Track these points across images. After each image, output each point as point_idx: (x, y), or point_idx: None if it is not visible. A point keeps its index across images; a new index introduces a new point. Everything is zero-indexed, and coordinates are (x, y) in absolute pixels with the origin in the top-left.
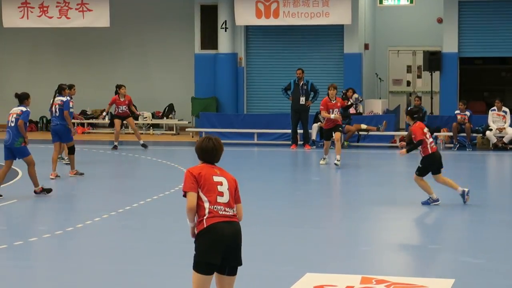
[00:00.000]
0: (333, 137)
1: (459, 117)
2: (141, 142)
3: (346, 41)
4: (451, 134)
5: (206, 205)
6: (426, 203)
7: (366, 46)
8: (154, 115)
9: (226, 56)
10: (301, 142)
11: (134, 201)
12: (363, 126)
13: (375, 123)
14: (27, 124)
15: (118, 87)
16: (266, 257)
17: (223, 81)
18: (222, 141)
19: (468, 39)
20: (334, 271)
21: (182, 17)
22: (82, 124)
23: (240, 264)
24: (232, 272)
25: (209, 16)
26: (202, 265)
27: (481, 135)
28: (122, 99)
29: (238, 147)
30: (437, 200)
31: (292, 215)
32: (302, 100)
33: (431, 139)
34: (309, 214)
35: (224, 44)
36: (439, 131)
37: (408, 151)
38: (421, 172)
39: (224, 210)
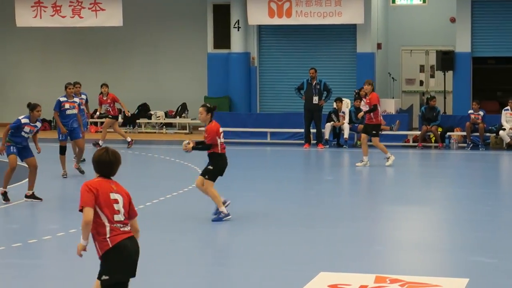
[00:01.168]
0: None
1: (472, 116)
2: (100, 142)
3: (359, 41)
4: (464, 133)
5: (107, 223)
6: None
7: (379, 46)
8: (167, 114)
9: (238, 55)
10: (314, 142)
11: (147, 199)
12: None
13: (388, 122)
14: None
15: (101, 86)
16: (279, 256)
17: (236, 80)
18: (235, 140)
19: (481, 39)
20: (347, 270)
21: (195, 17)
22: (95, 123)
23: (134, 276)
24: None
25: (221, 16)
26: (113, 285)
27: (494, 134)
28: (105, 98)
29: (251, 146)
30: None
31: (305, 214)
32: (315, 99)
33: None
34: (322, 213)
35: (237, 43)
36: (452, 131)
37: None
38: None
39: (123, 227)
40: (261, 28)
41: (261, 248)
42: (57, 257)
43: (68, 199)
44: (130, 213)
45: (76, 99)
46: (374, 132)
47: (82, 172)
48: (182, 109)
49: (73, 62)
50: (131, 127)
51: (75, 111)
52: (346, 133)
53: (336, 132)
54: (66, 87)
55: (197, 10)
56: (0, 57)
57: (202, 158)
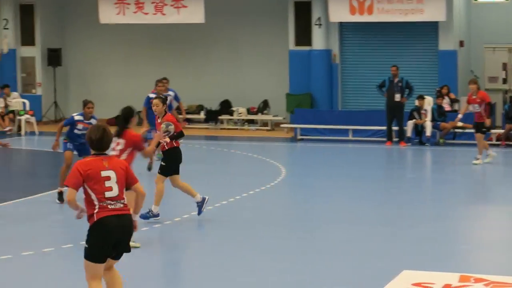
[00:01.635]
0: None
1: None
2: None
3: (441, 38)
4: None
5: (95, 201)
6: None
7: (461, 43)
8: (249, 111)
9: (320, 52)
10: (396, 139)
11: (229, 196)
12: (459, 123)
13: (471, 120)
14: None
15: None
16: (362, 253)
17: (318, 77)
18: (317, 137)
19: None
20: (431, 269)
21: (276, 14)
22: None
23: (128, 251)
24: (118, 258)
25: (303, 12)
26: (94, 256)
27: None
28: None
29: (333, 144)
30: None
31: (388, 212)
32: (397, 97)
33: None
34: (405, 211)
35: (318, 40)
36: None
37: None
38: None
39: (114, 204)
40: (342, 25)
41: (344, 245)
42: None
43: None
44: (129, 182)
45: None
46: (483, 129)
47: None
48: (264, 106)
49: (155, 58)
50: (213, 123)
51: None
52: (428, 131)
53: (418, 130)
54: (156, 84)
55: (278, 7)
56: (85, 54)
57: (286, 155)
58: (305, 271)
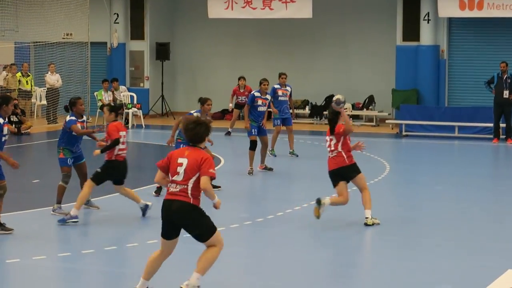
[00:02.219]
0: None
1: None
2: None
3: None
4: None
5: (170, 182)
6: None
7: None
8: (354, 106)
9: (427, 48)
10: (504, 136)
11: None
12: None
13: None
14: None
15: (239, 78)
16: (468, 252)
17: (425, 73)
18: (422, 133)
19: None
20: None
21: (384, 9)
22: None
23: (197, 237)
24: (199, 239)
25: (411, 8)
26: (162, 232)
27: None
28: (241, 90)
29: (439, 140)
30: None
31: (495, 210)
32: (506, 93)
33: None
34: (510, 210)
35: (426, 36)
36: None
37: None
38: None
39: (175, 188)
40: (451, 21)
41: (449, 243)
42: (241, 244)
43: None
44: (202, 171)
45: (268, 96)
46: None
47: (270, 169)
48: (369, 102)
49: (262, 53)
50: (318, 119)
51: (264, 108)
52: None
53: None
54: (260, 83)
55: (386, 2)
56: (193, 48)
57: (390, 151)
58: (411, 268)
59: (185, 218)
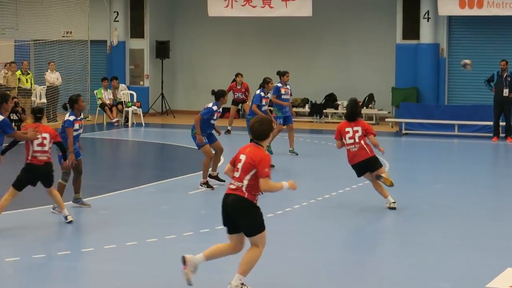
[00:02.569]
0: None
1: None
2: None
3: None
4: None
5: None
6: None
7: None
8: None
9: (427, 46)
10: (503, 135)
11: (334, 189)
12: None
13: None
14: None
15: (236, 75)
16: (468, 249)
17: (424, 71)
18: (422, 132)
19: None
20: None
21: (384, 7)
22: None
23: (245, 231)
24: (245, 234)
25: (411, 6)
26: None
27: None
28: (238, 87)
29: (438, 138)
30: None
31: (494, 208)
32: (506, 92)
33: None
34: (510, 208)
35: (426, 34)
36: None
37: None
38: None
39: (232, 184)
40: (451, 19)
41: (448, 240)
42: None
43: None
44: (258, 173)
45: (269, 95)
46: None
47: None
48: (369, 100)
49: (262, 51)
50: (318, 117)
51: (266, 107)
52: None
53: None
54: (268, 82)
55: (386, 0)
56: (192, 46)
57: (390, 149)
58: (411, 266)
59: (238, 211)
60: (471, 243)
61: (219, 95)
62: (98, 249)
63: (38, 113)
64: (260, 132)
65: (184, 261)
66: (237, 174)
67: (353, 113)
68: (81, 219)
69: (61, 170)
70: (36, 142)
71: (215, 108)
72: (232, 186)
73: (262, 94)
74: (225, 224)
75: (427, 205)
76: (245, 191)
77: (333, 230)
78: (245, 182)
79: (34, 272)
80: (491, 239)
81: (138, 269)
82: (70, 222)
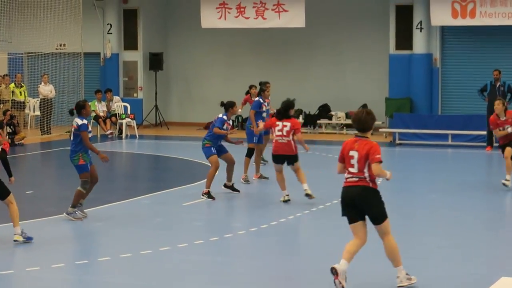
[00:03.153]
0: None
1: None
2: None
3: None
4: None
5: (346, 173)
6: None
7: None
8: (347, 115)
9: (421, 56)
10: (497, 144)
11: (328, 200)
12: None
13: None
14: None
15: (250, 87)
16: (462, 259)
17: (418, 81)
18: (416, 142)
19: None
20: None
21: (377, 18)
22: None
23: (374, 219)
24: (374, 222)
25: (404, 16)
26: (347, 219)
27: None
28: (253, 99)
29: (432, 148)
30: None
31: (488, 218)
32: None
33: None
34: (503, 217)
35: (419, 44)
36: None
37: None
38: None
39: (351, 178)
40: (444, 29)
41: (442, 249)
42: (238, 254)
43: (253, 197)
44: (370, 161)
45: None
46: None
47: (265, 177)
48: None
49: (256, 62)
50: (312, 128)
51: (265, 114)
52: None
53: None
54: (264, 90)
55: (379, 11)
56: (186, 58)
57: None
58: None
59: (366, 201)
60: (465, 252)
61: (228, 106)
62: (92, 261)
63: None
64: (364, 124)
65: (335, 272)
66: (354, 170)
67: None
68: (75, 231)
69: (80, 178)
70: None
71: (225, 117)
72: (353, 179)
73: (261, 100)
74: (349, 218)
75: (421, 215)
76: (369, 181)
77: (332, 237)
78: (366, 173)
79: (28, 285)
80: (485, 248)
81: (133, 281)
82: (16, 241)
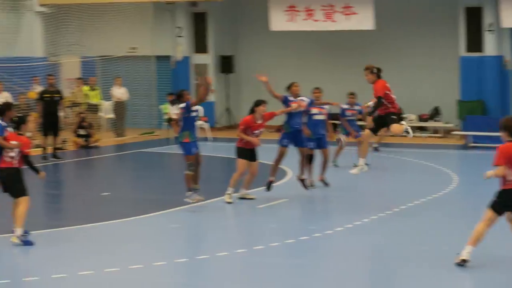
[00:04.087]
0: None
1: None
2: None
3: None
4: None
5: (509, 176)
6: None
7: None
8: (420, 118)
9: (492, 58)
10: None
11: (402, 203)
12: None
13: None
14: None
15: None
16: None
17: (489, 84)
18: (489, 145)
19: None
20: None
21: (446, 20)
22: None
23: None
24: None
25: (474, 18)
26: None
27: None
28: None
29: None
30: None
31: None
32: None
33: None
34: None
35: (490, 46)
36: None
37: None
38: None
39: None
40: None
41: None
42: (314, 256)
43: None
44: None
45: (327, 106)
46: None
47: (326, 184)
48: (435, 113)
49: (325, 64)
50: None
51: (322, 117)
52: None
53: None
54: (313, 92)
55: (449, 13)
56: (256, 60)
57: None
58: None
59: None
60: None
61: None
62: (169, 262)
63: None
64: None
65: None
66: None
67: None
68: (152, 231)
69: (186, 161)
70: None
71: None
72: None
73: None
74: (502, 212)
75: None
76: None
77: (401, 244)
78: None
79: (106, 285)
80: None
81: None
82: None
